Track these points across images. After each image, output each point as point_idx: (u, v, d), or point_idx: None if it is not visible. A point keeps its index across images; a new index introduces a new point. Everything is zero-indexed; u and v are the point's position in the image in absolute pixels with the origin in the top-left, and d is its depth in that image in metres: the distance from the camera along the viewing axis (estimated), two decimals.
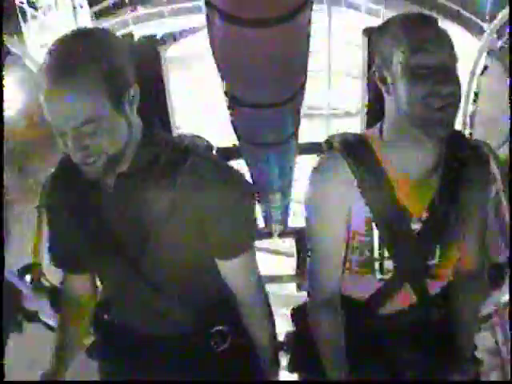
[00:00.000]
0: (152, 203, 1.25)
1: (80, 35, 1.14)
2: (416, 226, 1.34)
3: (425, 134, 1.23)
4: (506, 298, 1.86)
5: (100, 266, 1.39)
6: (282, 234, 3.83)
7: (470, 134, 2.60)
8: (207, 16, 0.97)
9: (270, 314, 1.47)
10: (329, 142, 1.42)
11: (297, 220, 3.78)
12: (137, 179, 1.25)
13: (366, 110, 1.67)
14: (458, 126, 2.49)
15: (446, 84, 1.19)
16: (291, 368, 1.61)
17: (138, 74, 1.21)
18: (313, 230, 1.39)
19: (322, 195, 1.34)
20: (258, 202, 3.15)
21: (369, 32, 1.61)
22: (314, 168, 1.36)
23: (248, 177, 2.15)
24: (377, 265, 1.37)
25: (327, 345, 1.42)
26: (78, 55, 1.10)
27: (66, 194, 1.33)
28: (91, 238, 1.32)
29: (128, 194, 1.26)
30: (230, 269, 1.36)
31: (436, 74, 1.19)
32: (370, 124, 1.44)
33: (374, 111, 1.46)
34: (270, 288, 1.58)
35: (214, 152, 1.59)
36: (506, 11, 2.29)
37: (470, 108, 2.53)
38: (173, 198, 1.24)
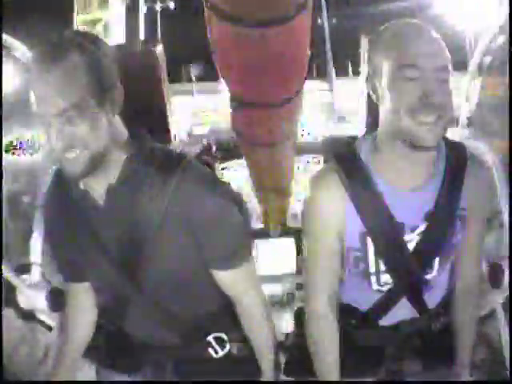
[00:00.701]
0: (143, 215, 1.25)
1: (71, 32, 1.20)
2: (412, 239, 1.33)
3: (410, 146, 1.21)
4: (506, 297, 1.86)
5: (95, 277, 1.39)
6: (281, 234, 3.83)
7: (469, 134, 2.59)
8: (207, 16, 0.97)
9: (269, 317, 1.46)
10: (325, 150, 1.41)
11: (296, 220, 3.78)
12: (127, 191, 1.25)
13: (364, 118, 1.66)
14: (457, 126, 2.49)
15: (435, 97, 1.16)
16: (289, 371, 1.60)
17: (135, 83, 1.23)
18: (307, 243, 1.39)
19: (315, 210, 1.34)
20: (258, 201, 3.16)
21: (369, 37, 1.60)
22: (309, 184, 1.36)
23: (248, 177, 2.15)
24: (374, 278, 1.36)
25: (319, 355, 1.41)
26: (67, 45, 1.14)
27: (59, 208, 1.34)
28: (85, 250, 1.32)
29: (119, 205, 1.26)
30: (226, 279, 1.35)
31: (425, 87, 1.17)
32: (368, 133, 1.43)
33: (372, 120, 1.46)
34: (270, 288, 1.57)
35: (214, 153, 1.58)
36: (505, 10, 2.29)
37: (469, 108, 2.53)
38: (163, 209, 1.24)
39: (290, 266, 3.77)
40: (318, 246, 1.36)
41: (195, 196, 1.25)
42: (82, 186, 1.27)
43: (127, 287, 1.32)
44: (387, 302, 1.39)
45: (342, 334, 1.40)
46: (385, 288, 1.37)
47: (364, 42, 1.61)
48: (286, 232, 3.80)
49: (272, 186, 2.51)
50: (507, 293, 1.81)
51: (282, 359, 1.61)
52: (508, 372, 1.83)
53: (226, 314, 1.43)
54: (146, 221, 1.25)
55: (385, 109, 1.23)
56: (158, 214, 1.24)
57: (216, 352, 1.42)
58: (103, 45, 1.21)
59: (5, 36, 1.92)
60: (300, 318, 1.53)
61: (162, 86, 1.59)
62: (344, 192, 1.30)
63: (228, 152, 2.18)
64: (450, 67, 1.20)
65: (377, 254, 1.32)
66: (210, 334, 1.42)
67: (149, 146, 1.30)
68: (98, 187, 1.26)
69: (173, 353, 1.42)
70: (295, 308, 1.66)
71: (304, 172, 3.60)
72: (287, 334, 1.71)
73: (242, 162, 2.08)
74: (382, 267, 1.34)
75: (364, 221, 1.30)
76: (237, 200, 1.33)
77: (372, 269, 1.34)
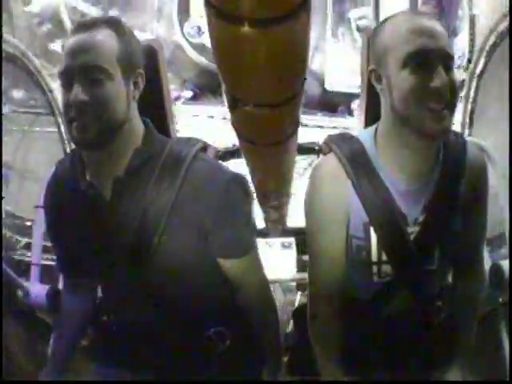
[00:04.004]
0: (150, 208, 1.25)
1: (108, 16, 1.35)
2: (413, 229, 1.33)
3: (421, 134, 1.22)
4: (506, 297, 1.86)
5: (100, 272, 1.39)
6: (281, 234, 3.83)
7: (469, 134, 2.60)
8: (207, 16, 0.96)
9: (275, 314, 1.47)
10: (327, 145, 1.42)
11: (296, 220, 3.78)
12: (134, 183, 1.25)
13: (364, 110, 1.66)
14: (457, 126, 2.49)
15: (444, 84, 1.17)
16: (289, 371, 1.60)
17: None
18: (311, 234, 1.39)
19: (320, 200, 1.34)
20: (258, 201, 3.16)
21: (368, 32, 1.60)
22: (312, 173, 1.37)
23: (247, 177, 2.15)
24: (375, 268, 1.36)
25: (323, 345, 1.41)
26: (106, 22, 1.23)
27: (64, 203, 1.34)
28: (90, 246, 1.32)
29: (126, 199, 1.26)
30: (235, 268, 1.36)
31: (432, 74, 1.18)
32: (368, 125, 1.43)
33: (373, 112, 1.46)
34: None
35: (211, 153, 1.58)
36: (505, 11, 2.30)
37: (469, 108, 2.53)
38: (172, 200, 1.24)
39: (290, 266, 3.76)
40: (322, 234, 1.36)
41: (204, 186, 1.26)
42: (88, 177, 1.28)
43: (132, 282, 1.32)
44: (387, 292, 1.39)
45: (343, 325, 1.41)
46: (385, 279, 1.37)
47: (364, 41, 1.62)
48: (286, 232, 3.80)
49: (272, 185, 2.51)
50: (507, 293, 1.81)
51: (283, 359, 1.62)
52: (508, 372, 1.83)
53: (227, 311, 1.44)
54: (153, 215, 1.25)
55: (391, 98, 1.24)
56: (167, 205, 1.24)
57: (217, 347, 1.42)
58: (132, 32, 1.29)
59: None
60: (299, 317, 1.53)
61: (161, 83, 1.59)
62: (348, 182, 1.31)
63: (228, 152, 2.18)
64: (453, 56, 1.21)
65: (379, 243, 1.33)
66: (210, 330, 1.42)
67: (157, 138, 1.31)
68: (104, 178, 1.26)
69: (173, 348, 1.42)
70: (295, 308, 1.66)
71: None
72: (287, 333, 1.71)
73: (242, 161, 2.07)
74: (384, 257, 1.34)
75: (367, 210, 1.30)
76: (244, 187, 1.34)
77: (374, 258, 1.35)
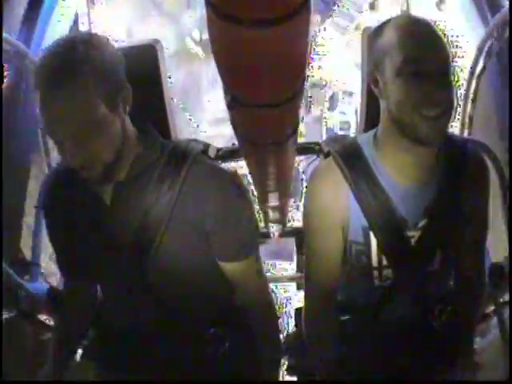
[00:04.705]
0: (151, 210, 1.25)
1: (72, 40, 1.14)
2: (414, 234, 1.33)
3: (416, 141, 1.21)
4: (506, 297, 1.86)
5: (101, 274, 1.39)
6: (281, 234, 3.83)
7: (469, 133, 2.59)
8: (207, 15, 0.96)
9: (275, 314, 1.47)
10: (326, 147, 1.42)
11: (296, 220, 3.78)
12: (134, 187, 1.25)
13: (364, 113, 1.66)
14: (457, 126, 2.49)
15: (439, 92, 1.16)
16: (289, 371, 1.60)
17: (136, 81, 1.22)
18: (309, 237, 1.39)
19: (318, 204, 1.34)
20: (258, 201, 3.16)
21: (368, 32, 1.60)
22: (310, 177, 1.37)
23: (248, 177, 2.15)
24: (376, 273, 1.36)
25: (317, 347, 1.41)
26: (70, 59, 1.10)
27: (63, 205, 1.34)
28: (91, 248, 1.32)
29: (126, 202, 1.26)
30: (236, 270, 1.36)
31: (429, 82, 1.17)
32: (367, 127, 1.43)
33: (372, 115, 1.46)
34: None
35: (212, 154, 1.58)
36: (505, 11, 2.29)
37: (469, 108, 2.53)
38: (172, 204, 1.24)
39: (290, 265, 3.76)
40: (320, 240, 1.36)
41: (205, 189, 1.26)
42: (88, 181, 1.27)
43: (132, 283, 1.32)
44: (388, 297, 1.39)
45: (341, 330, 1.41)
46: (386, 283, 1.37)
47: (364, 41, 1.61)
48: (286, 232, 3.80)
49: (272, 185, 2.51)
50: (507, 293, 1.81)
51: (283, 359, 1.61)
52: (508, 372, 1.82)
53: (227, 311, 1.44)
54: (154, 216, 1.25)
55: (388, 103, 1.23)
56: (167, 208, 1.24)
57: (216, 349, 1.42)
58: (109, 46, 1.18)
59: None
60: (300, 317, 1.53)
61: (161, 83, 1.59)
62: (347, 186, 1.30)
63: (228, 152, 2.18)
64: (451, 61, 1.20)
65: (379, 248, 1.32)
66: (210, 330, 1.42)
67: (157, 142, 1.30)
68: (106, 185, 1.26)
69: (173, 349, 1.42)
70: (295, 308, 1.66)
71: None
72: (287, 333, 1.71)
73: (242, 161, 2.08)
74: (384, 262, 1.34)
75: (366, 215, 1.30)
76: (245, 189, 1.34)
77: (374, 263, 1.35)
